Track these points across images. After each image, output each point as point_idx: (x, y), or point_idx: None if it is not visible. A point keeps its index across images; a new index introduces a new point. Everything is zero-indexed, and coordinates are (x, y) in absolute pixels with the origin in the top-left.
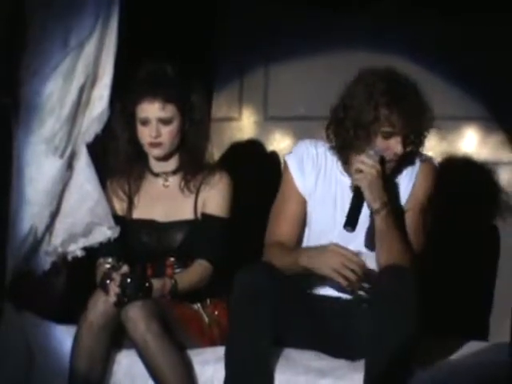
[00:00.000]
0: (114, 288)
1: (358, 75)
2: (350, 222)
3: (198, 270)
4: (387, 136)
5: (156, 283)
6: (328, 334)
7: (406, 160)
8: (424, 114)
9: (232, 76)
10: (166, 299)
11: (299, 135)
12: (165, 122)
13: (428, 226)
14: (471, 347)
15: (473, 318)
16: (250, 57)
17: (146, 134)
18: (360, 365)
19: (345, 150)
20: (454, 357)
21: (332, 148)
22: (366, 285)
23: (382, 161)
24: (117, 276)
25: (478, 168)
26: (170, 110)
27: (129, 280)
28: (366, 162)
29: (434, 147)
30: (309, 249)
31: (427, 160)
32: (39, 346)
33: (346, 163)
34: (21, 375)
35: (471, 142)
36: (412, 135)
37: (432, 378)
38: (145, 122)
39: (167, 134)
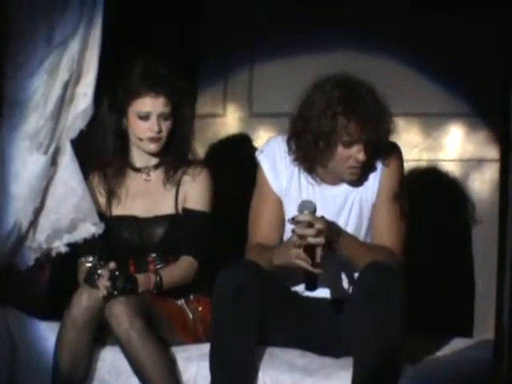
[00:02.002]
0: (103, 282)
1: (315, 83)
2: (311, 289)
3: (184, 265)
4: (348, 145)
5: (141, 278)
6: (313, 332)
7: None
8: (382, 119)
9: (217, 72)
10: (150, 295)
11: (283, 132)
12: (165, 117)
13: (407, 215)
14: (456, 344)
15: (455, 316)
16: (234, 53)
17: (145, 129)
18: (345, 362)
19: (308, 162)
20: (440, 353)
21: (295, 160)
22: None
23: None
24: (105, 271)
25: (463, 165)
26: (170, 106)
27: (117, 274)
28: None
29: (418, 144)
30: (279, 246)
31: (389, 146)
32: (23, 341)
33: (310, 173)
34: (4, 371)
35: (456, 139)
36: (373, 141)
37: (419, 374)
38: (145, 117)
39: (166, 129)
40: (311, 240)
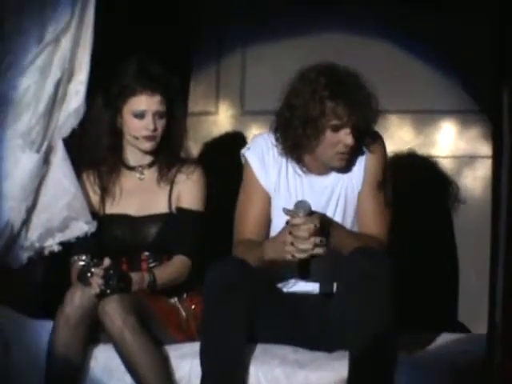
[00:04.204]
0: (96, 280)
1: (300, 73)
2: (305, 277)
3: (177, 264)
4: (336, 129)
5: (134, 276)
6: (303, 327)
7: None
8: (369, 104)
9: (209, 70)
10: (144, 293)
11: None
12: (160, 115)
13: (391, 203)
14: (447, 339)
15: (447, 313)
16: (226, 51)
17: (140, 127)
18: (337, 355)
19: (296, 151)
20: (433, 346)
21: (283, 150)
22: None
23: (310, 213)
24: (98, 269)
25: (455, 161)
26: (165, 104)
27: (111, 272)
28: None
29: (411, 141)
30: (268, 240)
31: (372, 136)
32: (16, 340)
33: (298, 163)
34: None
35: (448, 136)
36: (361, 125)
37: (415, 362)
38: (140, 115)
39: (161, 127)
40: (311, 252)
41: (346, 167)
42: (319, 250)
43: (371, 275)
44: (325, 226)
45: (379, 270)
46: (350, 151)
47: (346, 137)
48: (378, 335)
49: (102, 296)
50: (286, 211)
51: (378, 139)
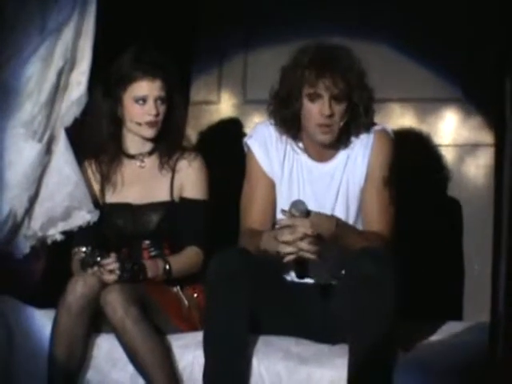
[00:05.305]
0: (112, 265)
1: (292, 54)
2: (301, 277)
3: (191, 254)
4: (312, 98)
5: (148, 264)
6: (307, 319)
7: (358, 134)
8: (353, 76)
9: (211, 59)
10: (145, 282)
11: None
12: (162, 100)
13: (395, 201)
14: (449, 328)
15: (450, 301)
16: (228, 40)
17: (142, 113)
18: (340, 350)
19: (291, 129)
20: (434, 338)
21: (281, 128)
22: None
23: (307, 214)
24: (112, 255)
25: (458, 149)
26: (165, 90)
27: (123, 256)
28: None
29: (413, 129)
30: (266, 231)
31: (380, 131)
32: (19, 330)
33: (295, 139)
34: (0, 358)
35: (450, 124)
36: (341, 97)
37: (414, 360)
38: (143, 101)
39: (162, 113)
40: (300, 254)
41: (347, 154)
42: (308, 255)
43: (373, 278)
44: (327, 225)
45: (382, 274)
46: (334, 124)
47: (322, 107)
48: (378, 339)
49: (118, 281)
50: (283, 212)
51: (384, 133)
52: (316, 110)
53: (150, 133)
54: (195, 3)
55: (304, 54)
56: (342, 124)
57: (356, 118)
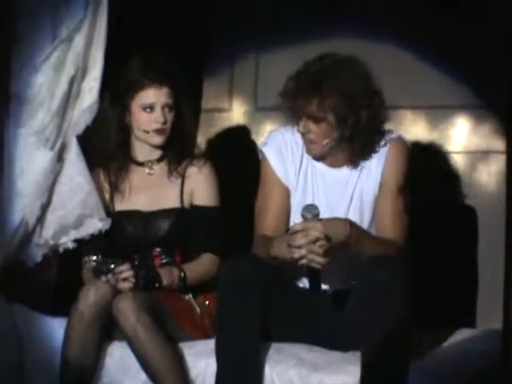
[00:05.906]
0: (127, 273)
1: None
2: (315, 288)
3: (206, 262)
4: (296, 114)
5: (162, 271)
6: (319, 326)
7: (372, 143)
8: (347, 93)
9: (222, 67)
10: (158, 290)
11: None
12: (170, 108)
13: (408, 209)
14: (461, 335)
15: (462, 308)
16: (240, 47)
17: (150, 121)
18: (352, 356)
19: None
20: (446, 346)
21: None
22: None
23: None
24: (126, 264)
25: (469, 156)
26: (173, 97)
27: (137, 263)
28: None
29: (425, 136)
30: (277, 237)
31: (395, 139)
32: (30, 338)
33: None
34: (11, 367)
35: (462, 131)
36: (321, 115)
37: (426, 368)
38: (150, 109)
39: (170, 120)
40: (311, 264)
41: (357, 166)
42: (318, 259)
43: (386, 286)
44: (336, 229)
45: (395, 281)
46: (318, 141)
47: (300, 123)
48: (391, 346)
49: (134, 289)
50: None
51: (399, 142)
52: (300, 126)
53: (158, 140)
54: (207, 11)
55: (291, 81)
56: (328, 140)
57: (362, 132)
